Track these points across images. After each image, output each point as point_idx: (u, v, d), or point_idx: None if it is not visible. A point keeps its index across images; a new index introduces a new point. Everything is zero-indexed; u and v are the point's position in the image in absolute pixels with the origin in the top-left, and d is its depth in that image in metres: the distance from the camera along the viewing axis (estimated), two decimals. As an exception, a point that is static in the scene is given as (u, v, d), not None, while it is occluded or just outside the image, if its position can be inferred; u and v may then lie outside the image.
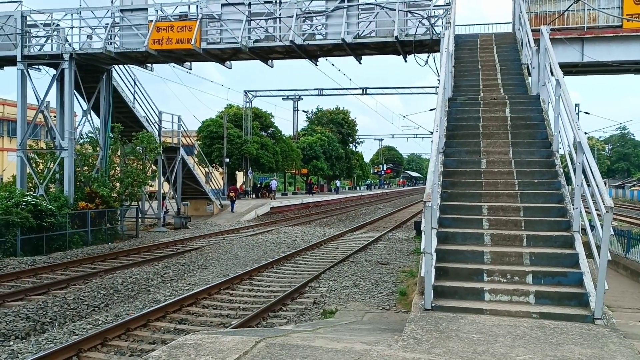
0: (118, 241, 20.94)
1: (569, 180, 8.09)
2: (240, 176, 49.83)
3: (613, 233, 13.41)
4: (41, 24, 21.80)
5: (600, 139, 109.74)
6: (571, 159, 7.33)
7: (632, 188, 71.26)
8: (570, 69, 18.76)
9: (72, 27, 21.61)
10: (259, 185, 48.58)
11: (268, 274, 14.45)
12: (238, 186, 44.83)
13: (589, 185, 6.64)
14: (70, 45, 21.36)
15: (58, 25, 21.72)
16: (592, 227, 7.46)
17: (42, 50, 21.94)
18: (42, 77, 23.12)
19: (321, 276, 13.84)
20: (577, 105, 39.37)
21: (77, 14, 21.31)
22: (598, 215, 6.22)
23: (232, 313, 10.41)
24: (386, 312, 10.18)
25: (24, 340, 8.75)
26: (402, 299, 10.92)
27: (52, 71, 22.14)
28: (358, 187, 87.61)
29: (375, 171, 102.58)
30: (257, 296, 11.86)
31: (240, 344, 4.94)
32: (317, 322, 8.80)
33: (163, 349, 4.89)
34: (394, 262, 16.15)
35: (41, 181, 21.34)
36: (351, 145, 77.06)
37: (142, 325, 9.44)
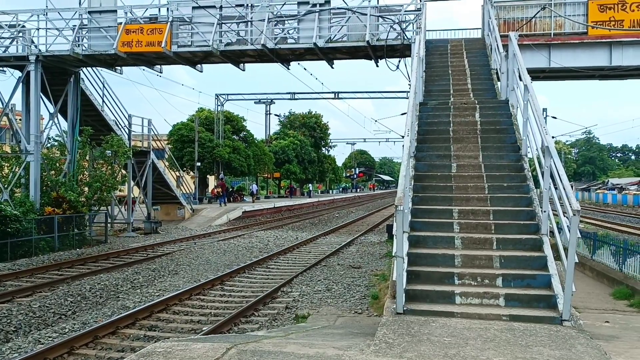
0: (86, 247, 20.50)
1: (537, 184, 8.22)
2: (212, 180, 49.40)
3: (580, 235, 13.71)
4: (6, 25, 21.25)
5: (567, 143, 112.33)
6: (539, 162, 7.45)
7: (597, 191, 72.99)
8: (537, 74, 19.12)
9: (38, 29, 21.17)
10: (231, 189, 48.25)
11: (240, 279, 14.33)
12: (210, 190, 44.47)
13: (556, 189, 6.75)
14: (36, 47, 20.89)
15: (24, 26, 21.21)
16: (560, 230, 7.59)
17: (6, 52, 21.41)
18: (7, 79, 22.60)
19: (293, 281, 13.79)
20: (544, 109, 40.27)
21: (44, 15, 20.88)
22: (565, 218, 6.33)
23: (203, 319, 10.28)
24: (359, 316, 10.19)
25: (-14, 350, 8.49)
26: (374, 302, 10.94)
27: (18, 73, 21.61)
28: (330, 191, 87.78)
29: (348, 175, 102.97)
30: (229, 301, 11.73)
31: (210, 351, 4.88)
32: (289, 327, 8.75)
33: (132, 357, 4.81)
34: (366, 266, 16.18)
35: (5, 186, 20.77)
36: (324, 149, 77.20)
37: (110, 333, 9.25)
